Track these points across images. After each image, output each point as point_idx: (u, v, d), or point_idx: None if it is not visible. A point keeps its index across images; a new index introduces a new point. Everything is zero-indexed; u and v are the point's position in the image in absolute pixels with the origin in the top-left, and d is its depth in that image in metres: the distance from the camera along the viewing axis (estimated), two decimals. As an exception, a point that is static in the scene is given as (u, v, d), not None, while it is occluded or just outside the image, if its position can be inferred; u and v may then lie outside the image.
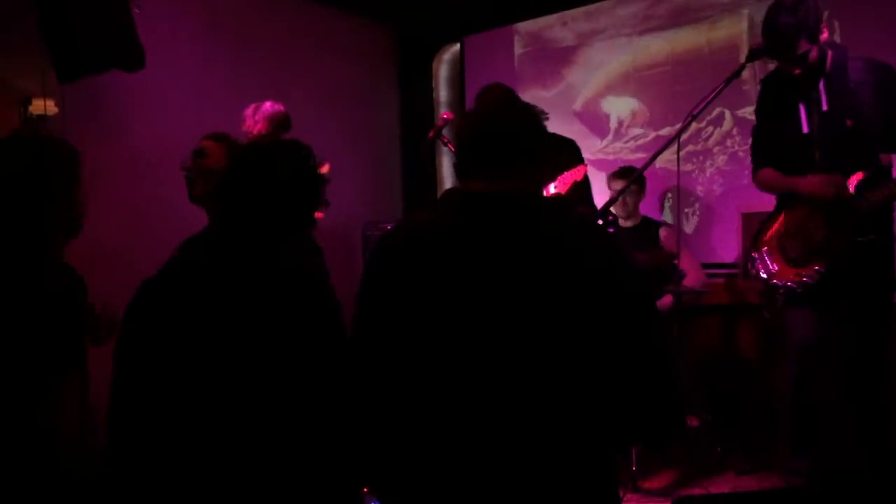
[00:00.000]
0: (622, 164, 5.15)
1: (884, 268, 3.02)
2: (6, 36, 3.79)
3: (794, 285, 3.01)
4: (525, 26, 5.81)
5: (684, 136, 4.86)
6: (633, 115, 5.28)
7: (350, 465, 1.70)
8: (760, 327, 4.38)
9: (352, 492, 1.78)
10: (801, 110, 3.04)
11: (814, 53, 2.91)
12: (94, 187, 2.29)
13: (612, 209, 3.20)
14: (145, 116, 4.35)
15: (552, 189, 3.11)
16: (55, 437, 1.99)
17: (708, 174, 4.95)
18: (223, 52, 4.93)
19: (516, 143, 1.57)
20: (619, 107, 5.35)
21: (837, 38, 4.45)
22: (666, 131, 4.97)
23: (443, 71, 6.38)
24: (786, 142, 3.11)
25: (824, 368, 3.08)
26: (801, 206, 3.08)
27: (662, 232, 4.45)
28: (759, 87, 3.28)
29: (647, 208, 4.90)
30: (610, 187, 4.45)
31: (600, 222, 2.86)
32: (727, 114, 4.84)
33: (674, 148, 3.04)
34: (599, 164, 5.36)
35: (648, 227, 4.49)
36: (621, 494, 3.39)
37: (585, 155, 5.39)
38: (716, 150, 4.92)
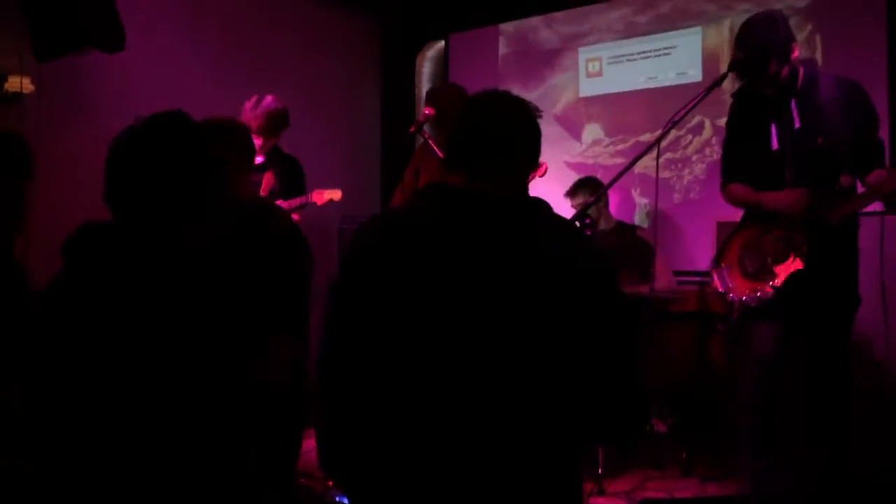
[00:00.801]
0: (600, 169, 5.19)
1: (845, 284, 3.05)
2: (-16, 11, 3.74)
3: (749, 300, 3.06)
4: (510, 27, 5.82)
5: (663, 143, 4.93)
6: (614, 120, 5.30)
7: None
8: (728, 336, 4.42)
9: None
10: (773, 127, 3.07)
11: (785, 72, 2.96)
12: (67, 168, 2.25)
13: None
14: (123, 100, 4.29)
15: None
16: None
17: (685, 182, 4.98)
18: (206, 38, 4.90)
19: (507, 136, 1.56)
20: (600, 111, 5.37)
21: (819, 54, 4.50)
22: (646, 137, 4.99)
23: (426, 67, 6.37)
24: (756, 158, 3.15)
25: (783, 380, 3.12)
26: (762, 221, 3.12)
27: (639, 235, 4.47)
28: (730, 101, 3.31)
29: (623, 213, 4.93)
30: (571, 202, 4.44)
31: (577, 224, 2.88)
32: (707, 123, 4.88)
33: (653, 154, 3.05)
34: (579, 168, 5.38)
35: (623, 230, 4.51)
36: (586, 496, 3.40)
37: (565, 158, 5.45)
38: (694, 158, 4.95)
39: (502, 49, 5.83)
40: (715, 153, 4.86)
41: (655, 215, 3.68)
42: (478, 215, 1.49)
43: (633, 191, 5.16)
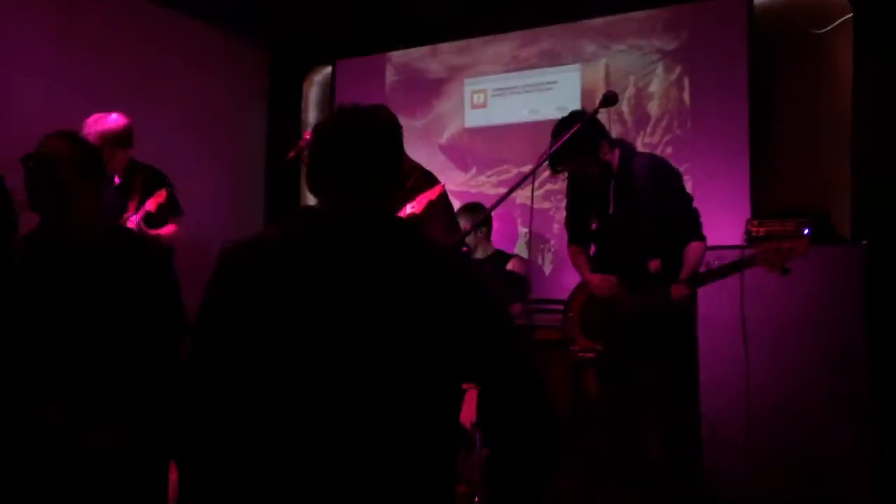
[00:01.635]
0: (483, 198, 5.28)
1: (680, 339, 3.32)
2: None
3: (583, 354, 3.40)
4: (398, 55, 5.88)
5: (543, 175, 5.06)
6: (498, 150, 5.41)
7: None
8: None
9: None
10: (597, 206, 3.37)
11: (593, 168, 3.27)
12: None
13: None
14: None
15: (409, 209, 3.14)
16: None
17: (564, 213, 5.11)
18: (79, 55, 4.70)
19: (366, 143, 1.53)
20: (484, 141, 5.48)
21: (687, 94, 4.74)
22: (528, 168, 5.09)
23: (313, 93, 6.35)
24: (586, 233, 3.50)
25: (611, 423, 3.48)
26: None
27: (511, 263, 4.55)
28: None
29: (503, 242, 5.02)
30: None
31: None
32: (585, 156, 5.04)
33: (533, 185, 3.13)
34: (462, 197, 5.45)
35: (499, 259, 4.59)
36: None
37: (450, 187, 5.48)
38: (572, 190, 5.10)
39: (389, 77, 5.87)
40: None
41: (531, 245, 3.78)
42: (351, 240, 1.48)
43: (514, 221, 5.27)
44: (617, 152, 3.31)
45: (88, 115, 4.26)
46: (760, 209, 4.30)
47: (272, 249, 1.52)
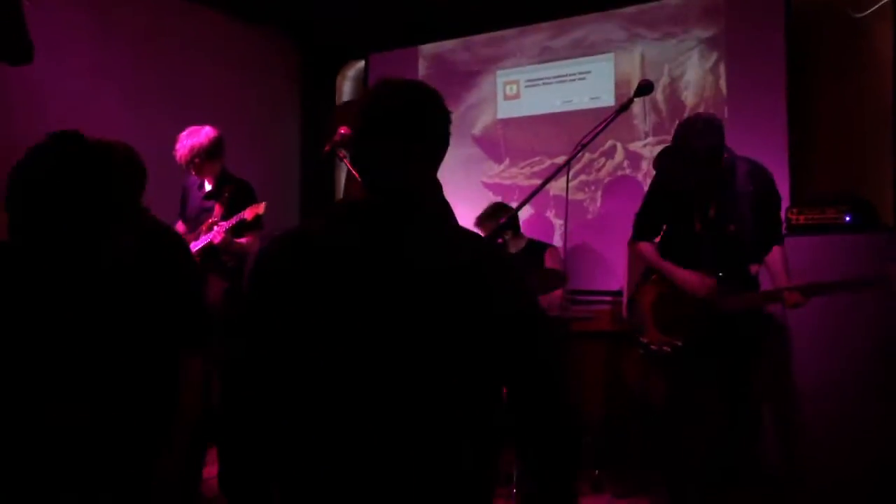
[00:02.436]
0: (517, 189, 5.27)
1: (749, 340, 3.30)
2: None
3: (656, 348, 3.31)
4: (430, 48, 5.88)
5: (577, 166, 5.04)
6: (531, 142, 5.39)
7: None
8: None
9: None
10: (693, 210, 3.31)
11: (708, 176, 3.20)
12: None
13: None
14: (28, 114, 4.16)
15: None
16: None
17: (598, 204, 5.10)
18: (118, 54, 4.78)
19: (402, 123, 1.51)
20: (517, 133, 5.46)
21: (723, 81, 4.68)
22: (561, 159, 5.08)
23: (346, 87, 6.37)
24: (675, 235, 3.39)
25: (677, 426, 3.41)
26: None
27: (546, 254, 4.55)
28: (656, 160, 3.48)
29: (540, 232, 5.01)
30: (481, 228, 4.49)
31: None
32: (619, 147, 5.01)
33: (567, 176, 3.12)
34: (496, 189, 5.46)
35: (534, 250, 4.58)
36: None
37: (482, 178, 5.51)
38: (607, 180, 5.08)
39: (422, 70, 5.87)
40: (627, 176, 4.99)
41: (566, 236, 3.76)
42: (379, 231, 1.48)
43: (548, 212, 5.25)
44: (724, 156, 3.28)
45: (124, 111, 4.35)
46: (800, 197, 4.24)
47: (316, 237, 1.52)
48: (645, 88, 2.96)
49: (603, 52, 5.15)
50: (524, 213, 4.89)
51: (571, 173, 4.78)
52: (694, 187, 3.27)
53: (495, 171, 5.53)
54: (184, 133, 3.97)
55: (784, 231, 3.64)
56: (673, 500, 3.36)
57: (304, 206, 6.17)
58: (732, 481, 3.23)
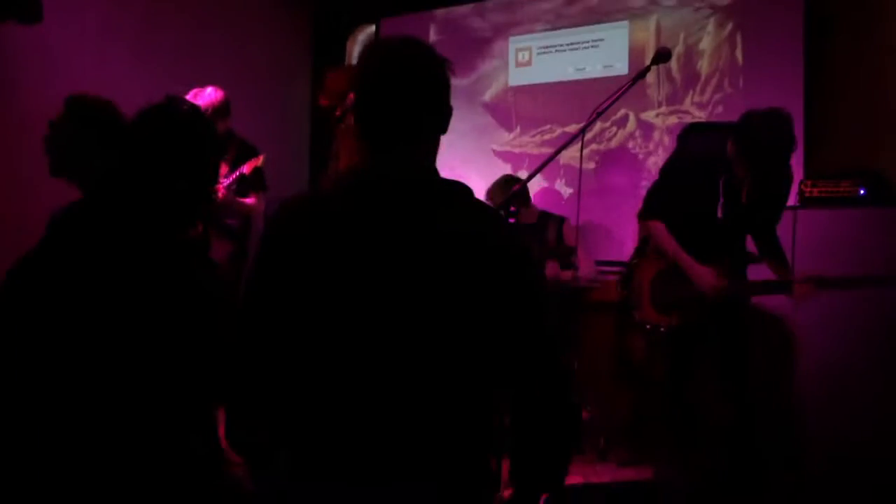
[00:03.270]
0: (527, 158, 5.23)
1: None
2: None
3: (650, 328, 3.33)
4: (442, 13, 5.81)
5: (588, 135, 4.99)
6: (542, 109, 5.34)
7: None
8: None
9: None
10: (720, 196, 3.22)
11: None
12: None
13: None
14: (39, 74, 4.12)
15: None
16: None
17: (609, 173, 5.06)
18: (129, 14, 4.72)
19: (404, 92, 1.50)
20: (529, 100, 5.41)
21: (739, 51, 4.62)
22: (573, 128, 5.04)
23: (356, 51, 6.31)
24: (692, 219, 3.28)
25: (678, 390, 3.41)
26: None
27: (566, 227, 4.53)
28: (680, 137, 3.42)
29: (550, 203, 4.98)
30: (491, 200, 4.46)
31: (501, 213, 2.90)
32: (631, 116, 4.96)
33: (579, 145, 3.09)
34: (507, 157, 5.42)
35: (545, 222, 4.55)
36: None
37: (493, 146, 5.47)
38: (618, 150, 5.03)
39: (433, 35, 5.81)
40: (638, 146, 4.95)
41: (578, 206, 3.72)
42: (395, 198, 1.47)
43: (557, 182, 5.22)
44: None
45: (135, 74, 4.31)
46: (814, 169, 4.19)
47: (324, 202, 1.53)
48: (663, 56, 2.92)
49: (618, 20, 5.08)
50: (533, 184, 4.86)
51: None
52: (740, 176, 3.19)
53: (506, 140, 5.48)
54: (189, 94, 3.93)
55: (797, 202, 3.61)
56: (682, 459, 3.36)
57: (313, 169, 6.14)
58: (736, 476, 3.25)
